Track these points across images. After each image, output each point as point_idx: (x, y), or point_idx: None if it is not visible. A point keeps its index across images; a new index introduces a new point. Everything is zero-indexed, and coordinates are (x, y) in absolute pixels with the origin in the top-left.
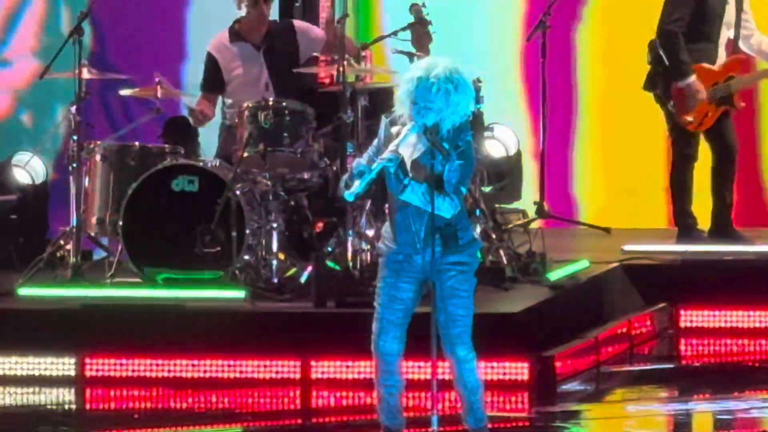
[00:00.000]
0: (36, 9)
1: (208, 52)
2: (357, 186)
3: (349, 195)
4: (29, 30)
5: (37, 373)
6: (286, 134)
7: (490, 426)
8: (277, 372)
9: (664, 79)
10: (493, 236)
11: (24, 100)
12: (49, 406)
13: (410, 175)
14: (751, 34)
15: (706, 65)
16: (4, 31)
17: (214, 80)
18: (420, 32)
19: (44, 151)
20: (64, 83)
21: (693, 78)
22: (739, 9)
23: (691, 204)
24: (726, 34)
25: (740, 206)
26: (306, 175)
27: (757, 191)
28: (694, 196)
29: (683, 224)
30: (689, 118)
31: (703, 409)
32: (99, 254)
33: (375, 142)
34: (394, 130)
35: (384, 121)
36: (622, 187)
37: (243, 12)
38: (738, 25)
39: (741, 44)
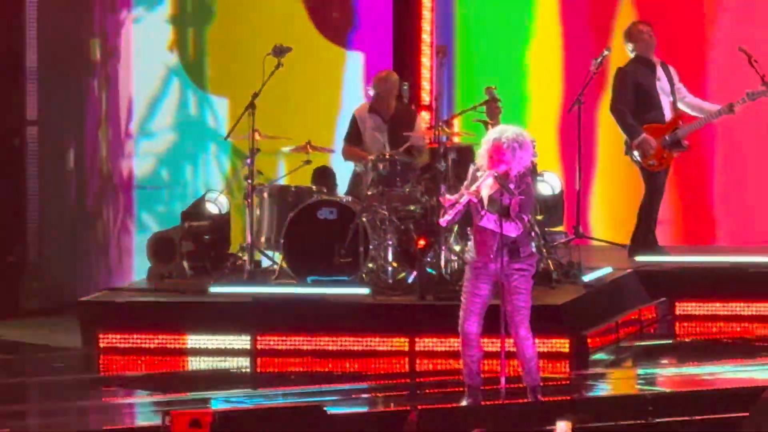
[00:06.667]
0: (173, 94)
1: (354, 115)
2: (450, 215)
3: (443, 221)
4: (167, 109)
5: (222, 346)
6: (398, 178)
7: (542, 384)
8: (391, 346)
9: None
10: (543, 251)
11: (163, 161)
12: (231, 370)
13: (486, 207)
14: (684, 96)
15: (655, 124)
16: (149, 109)
17: (355, 136)
18: (492, 106)
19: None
20: (193, 149)
21: (643, 135)
22: (671, 82)
23: (655, 226)
24: (669, 100)
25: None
26: (412, 207)
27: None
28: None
29: (646, 241)
30: (651, 162)
31: (692, 372)
32: (266, 263)
33: (466, 182)
34: (479, 174)
35: (472, 167)
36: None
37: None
38: (673, 93)
39: (680, 105)
